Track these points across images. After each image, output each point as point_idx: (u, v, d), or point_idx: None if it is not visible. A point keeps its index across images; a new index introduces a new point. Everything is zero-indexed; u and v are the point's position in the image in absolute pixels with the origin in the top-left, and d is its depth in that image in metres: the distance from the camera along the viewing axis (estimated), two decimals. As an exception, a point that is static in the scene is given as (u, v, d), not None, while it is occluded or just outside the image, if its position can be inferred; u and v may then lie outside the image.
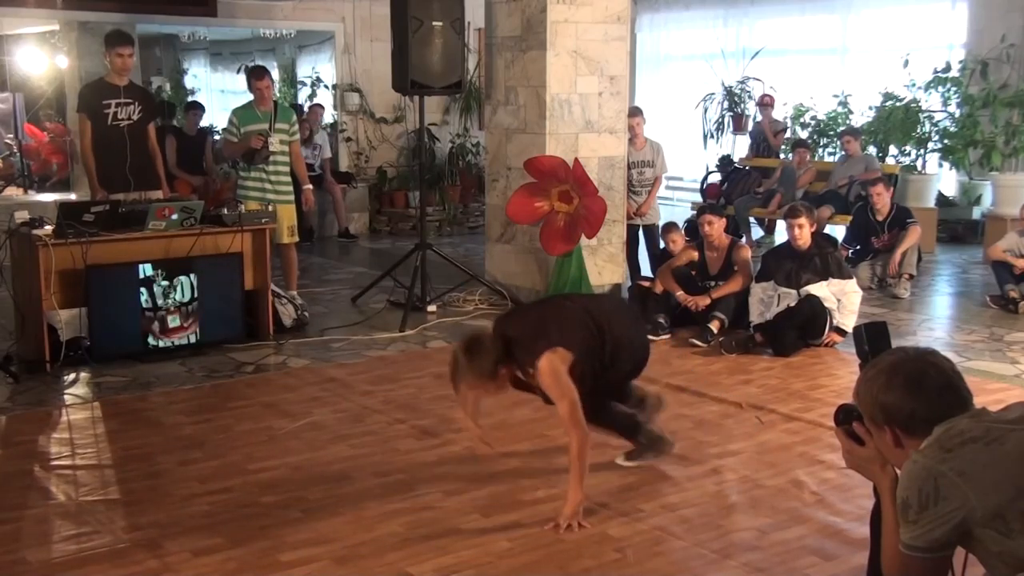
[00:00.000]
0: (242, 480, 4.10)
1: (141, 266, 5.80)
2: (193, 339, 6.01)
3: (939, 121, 10.42)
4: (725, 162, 11.75)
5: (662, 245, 7.55)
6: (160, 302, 5.86)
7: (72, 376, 5.64)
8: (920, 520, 2.13)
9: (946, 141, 10.29)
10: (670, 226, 7.45)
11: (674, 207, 11.81)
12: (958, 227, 10.55)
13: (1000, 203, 9.70)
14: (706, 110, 12.76)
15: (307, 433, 4.71)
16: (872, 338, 2.61)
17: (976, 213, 10.57)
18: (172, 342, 5.94)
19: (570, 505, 3.64)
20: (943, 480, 2.11)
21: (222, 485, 4.05)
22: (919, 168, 10.53)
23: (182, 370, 5.77)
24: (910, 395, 2.23)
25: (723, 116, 12.64)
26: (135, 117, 6.64)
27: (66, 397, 5.31)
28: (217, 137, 10.71)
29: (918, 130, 10.43)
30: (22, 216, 5.90)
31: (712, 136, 12.73)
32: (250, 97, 7.06)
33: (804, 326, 6.20)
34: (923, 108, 10.41)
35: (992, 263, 7.71)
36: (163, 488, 4.03)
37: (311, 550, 3.46)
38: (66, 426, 4.86)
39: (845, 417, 2.44)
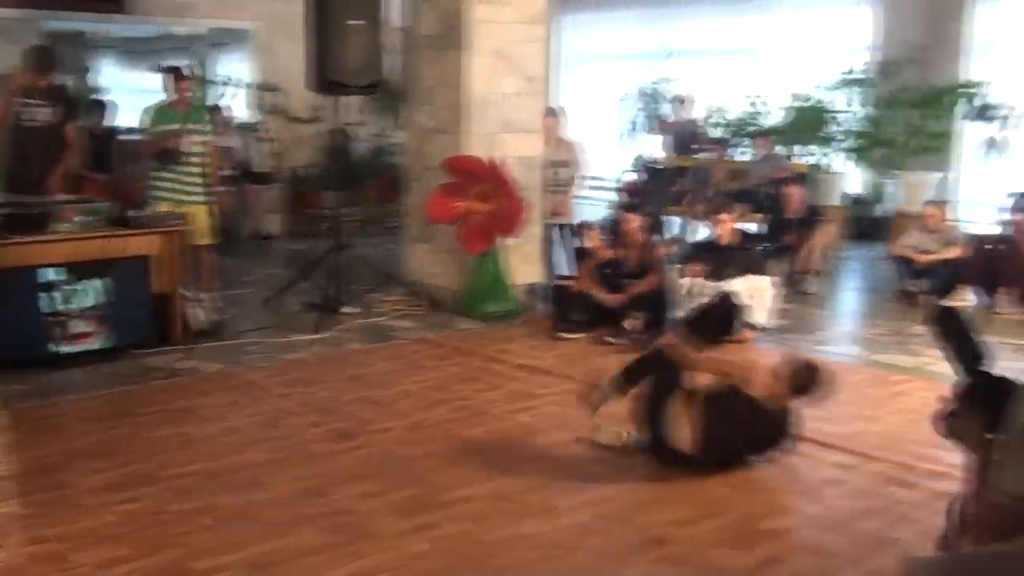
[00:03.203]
0: (153, 488, 4.01)
1: (41, 270, 5.62)
2: (100, 345, 5.85)
3: (846, 121, 10.71)
4: (642, 161, 11.90)
5: (580, 244, 7.61)
6: (62, 307, 5.68)
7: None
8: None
9: (853, 141, 10.58)
10: (587, 225, 7.52)
11: (592, 206, 11.90)
12: (864, 224, 10.86)
13: (904, 200, 10.02)
14: (623, 110, 12.91)
15: (221, 438, 4.63)
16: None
17: (882, 210, 10.90)
18: (78, 348, 5.77)
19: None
20: None
21: (132, 494, 3.95)
22: (828, 167, 10.81)
23: (89, 377, 5.61)
24: None
25: (639, 116, 12.81)
26: (51, 119, 6.47)
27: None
28: (125, 137, 10.44)
29: (826, 130, 10.71)
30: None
31: (629, 136, 12.88)
32: (163, 96, 6.92)
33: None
34: (831, 109, 10.69)
35: (895, 259, 7.96)
36: (69, 499, 3.91)
37: (224, 557, 3.40)
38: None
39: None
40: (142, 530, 3.62)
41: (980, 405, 2.04)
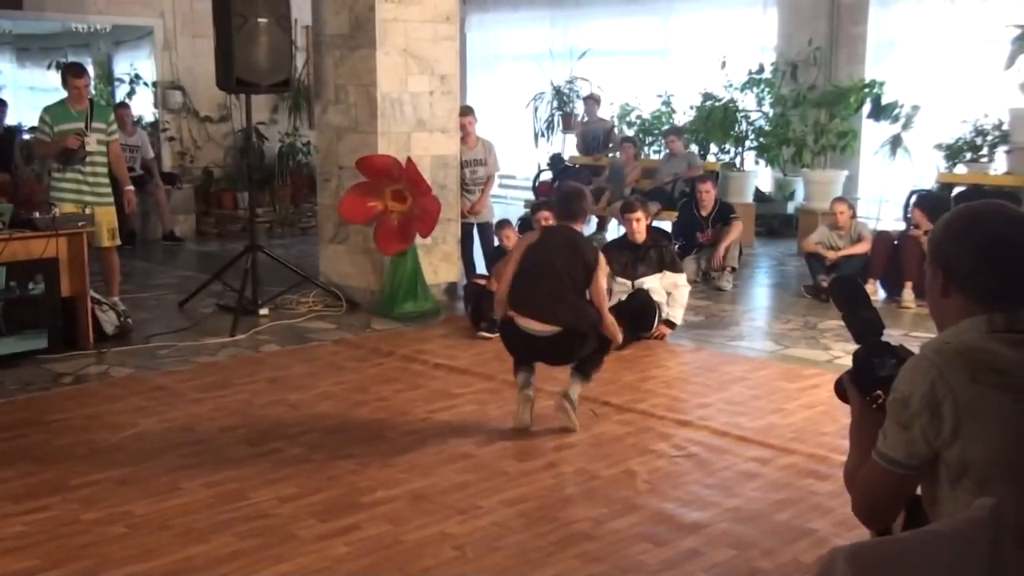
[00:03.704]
0: (61, 497, 3.89)
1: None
2: (3, 351, 5.64)
3: (754, 120, 10.95)
4: (556, 160, 11.99)
5: (496, 242, 7.62)
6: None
7: None
8: (912, 425, 1.91)
9: (761, 139, 10.83)
10: (504, 223, 7.53)
11: (507, 205, 11.96)
12: (774, 221, 11.12)
13: (811, 198, 10.29)
14: (536, 109, 12.98)
15: (133, 445, 4.51)
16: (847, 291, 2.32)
17: (790, 208, 11.18)
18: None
19: None
20: (948, 403, 1.88)
21: (39, 503, 3.82)
22: (738, 165, 11.05)
23: (-8, 384, 5.42)
24: (980, 255, 1.94)
25: (553, 115, 12.89)
26: None
27: None
28: (27, 136, 10.10)
29: (736, 129, 10.94)
30: None
31: (543, 135, 12.96)
32: (63, 95, 6.69)
33: (635, 319, 6.39)
34: (740, 108, 10.92)
35: (805, 255, 8.17)
36: (-28, 511, 3.77)
37: (139, 566, 3.32)
38: None
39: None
40: (52, 540, 3.51)
41: (868, 373, 2.11)
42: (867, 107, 10.06)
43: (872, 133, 10.27)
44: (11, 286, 5.65)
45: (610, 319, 4.81)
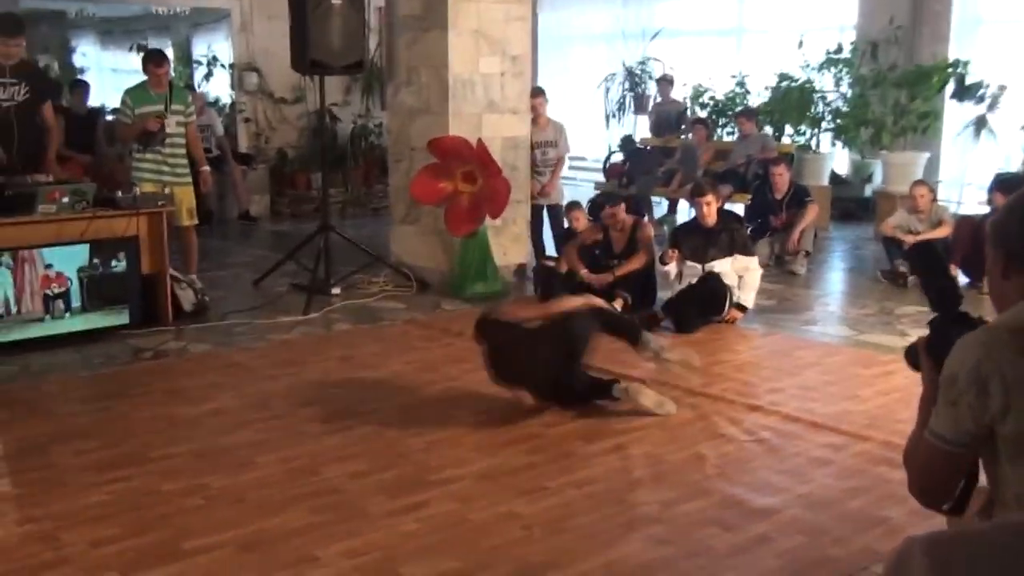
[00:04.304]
0: (142, 469, 4.00)
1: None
2: (90, 326, 5.82)
3: (832, 101, 10.72)
4: (627, 142, 11.90)
5: (566, 224, 7.61)
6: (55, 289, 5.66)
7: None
8: (959, 403, 1.93)
9: (838, 121, 10.60)
10: (573, 205, 7.51)
11: (577, 187, 11.91)
12: (851, 204, 10.89)
13: (890, 181, 10.05)
14: (607, 90, 12.88)
15: (210, 419, 4.62)
16: (926, 259, 2.39)
17: (868, 191, 10.93)
18: (67, 329, 5.74)
19: None
20: (996, 380, 1.88)
21: (121, 474, 3.94)
22: (813, 147, 10.84)
23: (77, 357, 5.59)
24: None
25: (624, 96, 12.79)
26: (20, 98, 6.36)
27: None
28: (109, 118, 10.36)
29: (812, 110, 10.72)
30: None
31: (614, 116, 12.86)
32: (143, 77, 6.85)
33: (705, 303, 6.34)
34: (817, 88, 10.70)
35: (883, 239, 8.00)
36: (58, 479, 3.90)
37: (215, 537, 3.40)
38: (-48, 418, 4.67)
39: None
40: (132, 510, 3.62)
41: (942, 342, 2.06)
42: (950, 87, 9.79)
43: (955, 114, 9.99)
44: (95, 263, 5.83)
45: None
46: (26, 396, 4.96)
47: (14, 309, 5.59)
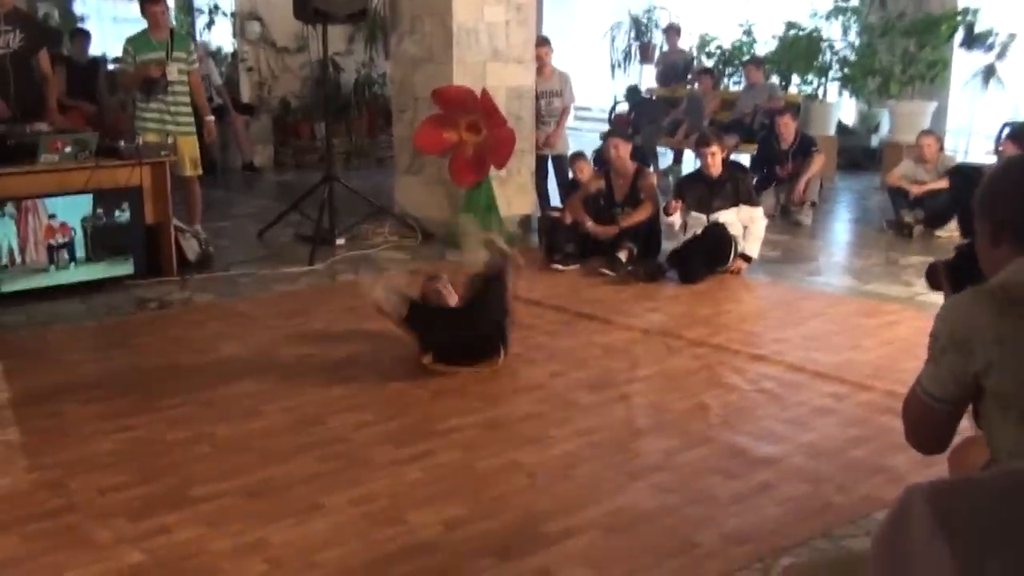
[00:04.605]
0: (148, 417, 4.03)
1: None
2: (94, 276, 5.83)
3: (839, 50, 10.60)
4: (632, 92, 11.80)
5: (571, 175, 7.58)
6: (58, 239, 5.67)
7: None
8: (940, 361, 1.97)
9: (846, 70, 10.49)
10: (578, 156, 7.47)
11: (582, 137, 11.84)
12: (857, 154, 10.83)
13: (897, 131, 9.98)
14: (613, 40, 12.75)
15: (215, 369, 4.64)
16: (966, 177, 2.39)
17: (874, 141, 10.85)
18: (71, 279, 5.75)
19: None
20: (977, 339, 1.90)
21: (127, 423, 3.97)
22: (820, 97, 10.74)
23: (82, 307, 5.61)
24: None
25: (630, 46, 12.66)
26: (15, 45, 6.30)
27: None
28: (111, 67, 10.28)
29: (819, 59, 10.61)
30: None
31: (619, 66, 12.74)
32: (144, 25, 6.78)
33: (710, 253, 6.32)
34: (824, 37, 10.58)
35: (889, 189, 7.96)
36: (66, 427, 3.93)
37: (221, 484, 3.43)
38: (-40, 368, 4.69)
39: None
40: (140, 458, 3.65)
41: (967, 268, 2.06)
42: (959, 36, 9.66)
43: (964, 63, 9.88)
44: (98, 213, 5.82)
45: None
46: (32, 345, 4.98)
47: (19, 259, 5.59)
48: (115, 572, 2.88)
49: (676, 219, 6.43)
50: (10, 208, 5.52)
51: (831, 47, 10.61)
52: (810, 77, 10.79)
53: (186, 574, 2.87)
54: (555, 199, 8.18)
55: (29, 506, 3.28)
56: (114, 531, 3.11)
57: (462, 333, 4.61)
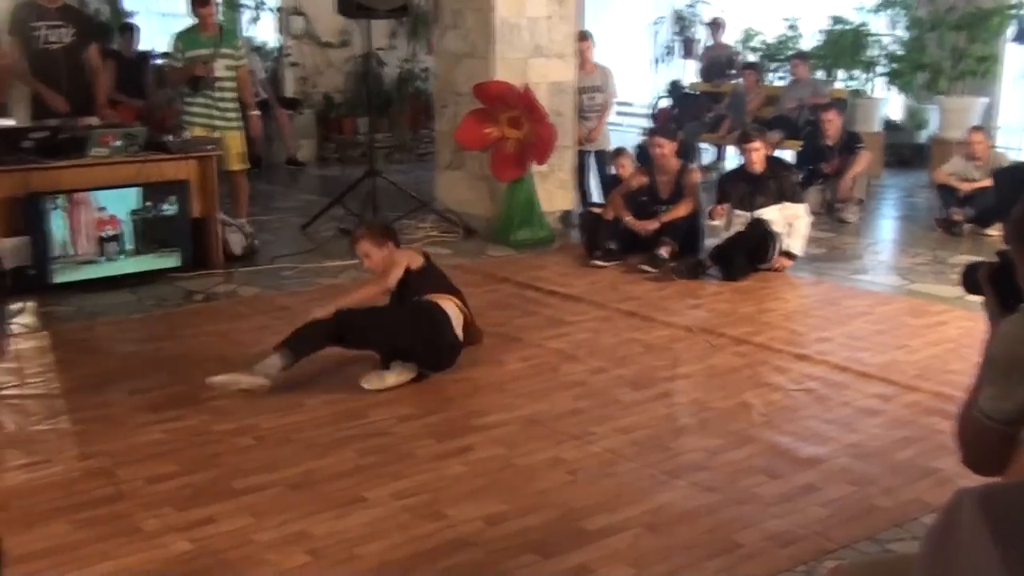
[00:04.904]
0: (194, 409, 4.09)
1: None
2: (141, 268, 5.92)
3: (887, 44, 10.45)
4: (675, 87, 11.73)
5: (612, 171, 7.55)
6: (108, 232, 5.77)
7: (18, 306, 5.53)
8: (998, 383, 1.90)
9: (894, 65, 10.34)
10: (620, 151, 7.44)
11: (624, 132, 11.78)
12: (904, 151, 10.67)
13: (946, 127, 9.81)
14: (655, 34, 12.68)
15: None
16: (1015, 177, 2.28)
17: (922, 137, 10.69)
18: (120, 271, 5.84)
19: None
20: None
21: (174, 414, 4.03)
22: (867, 92, 10.59)
23: (131, 299, 5.70)
24: None
25: (672, 40, 12.57)
26: (67, 40, 6.40)
27: (12, 327, 5.22)
28: (158, 61, 10.39)
29: (866, 54, 10.46)
30: (-42, 143, 5.74)
31: (661, 61, 12.67)
32: (193, 21, 6.86)
33: (752, 250, 6.27)
34: (871, 32, 10.43)
35: (937, 187, 7.84)
36: (115, 417, 4.00)
37: (265, 476, 3.47)
38: (13, 356, 4.78)
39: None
40: (186, 448, 3.70)
41: (1009, 276, 1.98)
42: (1011, 30, 9.48)
43: (1015, 58, 9.69)
44: (147, 206, 5.90)
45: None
46: (82, 336, 5.07)
47: (70, 251, 5.69)
48: (162, 560, 2.93)
49: (720, 223, 6.41)
50: (62, 201, 5.62)
51: (878, 42, 10.45)
52: (856, 72, 10.65)
53: (231, 564, 2.92)
54: (596, 195, 8.16)
55: (79, 494, 3.34)
56: (161, 520, 3.16)
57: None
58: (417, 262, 4.57)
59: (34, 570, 2.85)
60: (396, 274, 4.48)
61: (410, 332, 4.36)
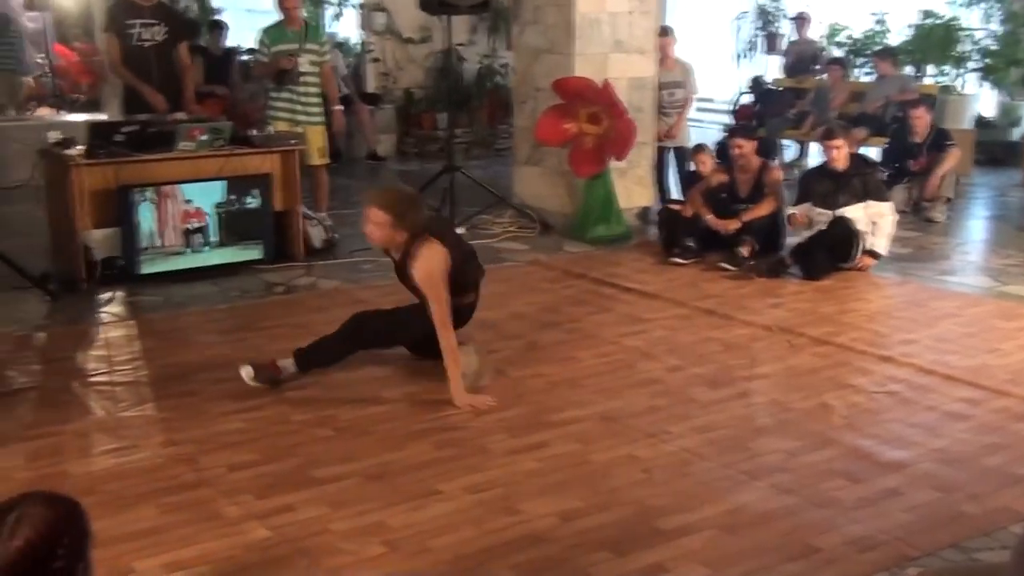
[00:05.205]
0: (274, 398, 4.16)
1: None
2: (225, 259, 6.05)
3: (980, 39, 10.13)
4: (757, 83, 11.55)
5: (692, 167, 7.47)
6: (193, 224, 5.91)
7: (108, 295, 5.71)
8: None
9: (987, 60, 10.03)
10: (700, 148, 7.35)
11: (704, 129, 11.64)
12: (997, 149, 10.33)
13: (1041, 125, 9.49)
14: (738, 29, 12.50)
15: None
16: None
17: (1016, 135, 10.34)
18: (203, 263, 5.98)
19: (455, 396, 4.07)
20: None
21: (255, 403, 4.11)
22: (957, 88, 10.29)
23: (215, 290, 5.83)
24: None
25: (756, 35, 12.39)
26: (159, 38, 6.56)
27: (102, 315, 5.39)
28: (244, 57, 10.61)
29: (957, 49, 10.16)
30: (54, 136, 5.95)
31: (744, 56, 12.49)
32: (280, 17, 6.98)
33: (834, 248, 6.15)
34: (963, 26, 10.13)
35: (1030, 186, 7.58)
36: (198, 405, 4.10)
37: (343, 467, 3.52)
38: (103, 344, 4.94)
39: None
40: (266, 438, 3.78)
41: None
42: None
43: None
44: (231, 199, 6.03)
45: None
46: (168, 326, 5.20)
47: (157, 242, 5.85)
48: (242, 547, 2.99)
49: (799, 228, 6.32)
50: (151, 193, 5.78)
51: (970, 36, 10.15)
52: (946, 68, 10.35)
53: (309, 552, 2.96)
54: (675, 192, 8.08)
55: (164, 479, 3.43)
56: (242, 507, 3.23)
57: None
58: (445, 257, 4.29)
59: (120, 552, 2.93)
60: (443, 293, 4.23)
61: (425, 320, 4.25)
